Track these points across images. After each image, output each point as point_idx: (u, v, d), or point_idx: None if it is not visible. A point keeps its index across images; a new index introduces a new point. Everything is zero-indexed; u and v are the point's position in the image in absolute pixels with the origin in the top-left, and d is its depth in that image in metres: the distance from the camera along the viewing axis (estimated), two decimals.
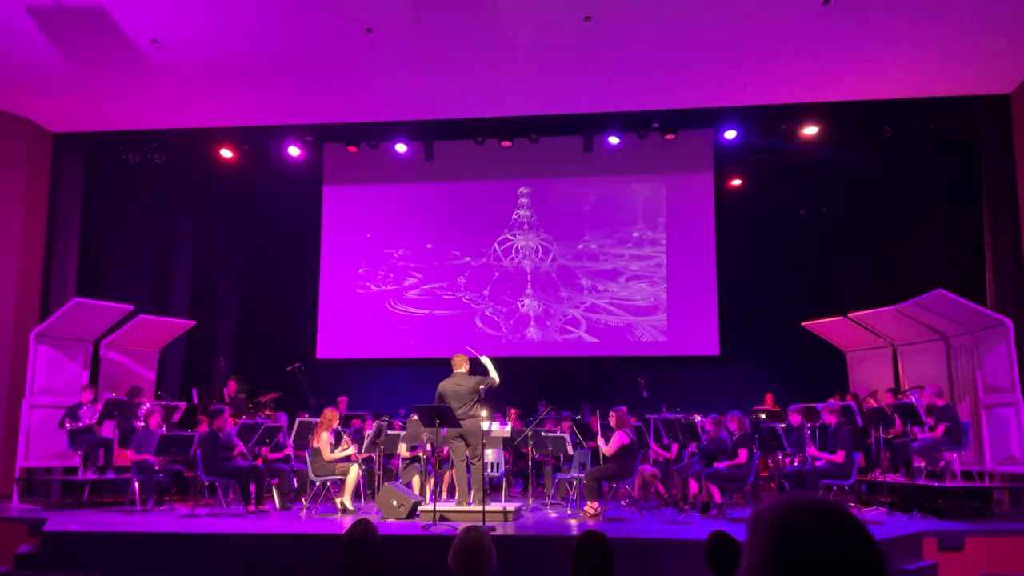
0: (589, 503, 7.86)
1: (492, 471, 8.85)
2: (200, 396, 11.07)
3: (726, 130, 11.48)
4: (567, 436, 9.18)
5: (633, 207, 12.99)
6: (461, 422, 7.48)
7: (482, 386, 7.71)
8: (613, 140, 11.95)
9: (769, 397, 11.29)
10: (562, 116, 10.92)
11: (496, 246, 13.18)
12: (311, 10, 8.12)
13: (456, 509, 7.46)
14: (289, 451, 9.31)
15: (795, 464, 8.74)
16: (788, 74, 9.42)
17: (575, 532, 6.69)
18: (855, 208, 12.58)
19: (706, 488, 8.02)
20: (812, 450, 8.26)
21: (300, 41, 8.71)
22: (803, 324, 11.02)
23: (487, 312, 13.06)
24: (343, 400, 11.29)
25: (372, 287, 13.34)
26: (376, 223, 13.42)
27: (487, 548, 3.05)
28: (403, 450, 9.11)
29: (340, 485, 8.43)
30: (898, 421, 8.70)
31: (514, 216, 13.18)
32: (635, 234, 12.95)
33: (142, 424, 9.03)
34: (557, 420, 10.50)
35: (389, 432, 9.09)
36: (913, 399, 8.60)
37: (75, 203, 11.04)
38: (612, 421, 8.18)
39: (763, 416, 10.37)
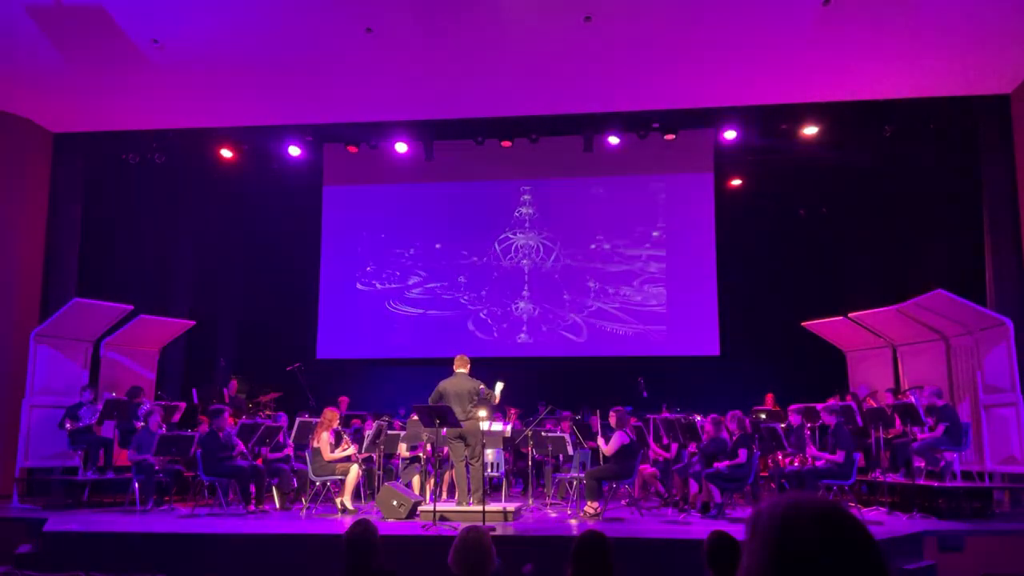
0: (589, 503, 7.86)
1: (492, 471, 8.86)
2: (200, 396, 11.07)
3: (726, 130, 11.46)
4: (567, 436, 9.19)
5: (632, 207, 12.98)
6: (461, 422, 7.48)
7: (482, 387, 7.72)
8: (613, 140, 11.93)
9: (769, 397, 11.28)
10: (562, 116, 10.91)
11: (496, 245, 13.18)
12: (311, 10, 8.11)
13: (456, 509, 7.47)
14: (289, 451, 9.30)
15: (795, 464, 8.74)
16: (788, 74, 9.42)
17: (575, 532, 6.69)
18: (855, 208, 12.58)
19: (706, 488, 8.01)
20: (812, 450, 8.27)
21: (300, 41, 8.71)
22: (803, 324, 11.02)
23: (481, 315, 13.05)
24: (344, 400, 11.29)
25: (377, 285, 13.33)
26: (376, 223, 13.41)
27: (487, 548, 3.05)
28: (403, 450, 9.11)
29: (340, 485, 8.44)
30: (898, 421, 8.70)
31: (516, 214, 13.18)
32: (635, 234, 12.95)
33: (142, 424, 9.02)
34: (557, 420, 10.50)
35: (389, 432, 9.09)
36: (913, 399, 8.59)
37: (75, 203, 11.03)
38: (612, 421, 8.19)
39: (763, 416, 10.35)
